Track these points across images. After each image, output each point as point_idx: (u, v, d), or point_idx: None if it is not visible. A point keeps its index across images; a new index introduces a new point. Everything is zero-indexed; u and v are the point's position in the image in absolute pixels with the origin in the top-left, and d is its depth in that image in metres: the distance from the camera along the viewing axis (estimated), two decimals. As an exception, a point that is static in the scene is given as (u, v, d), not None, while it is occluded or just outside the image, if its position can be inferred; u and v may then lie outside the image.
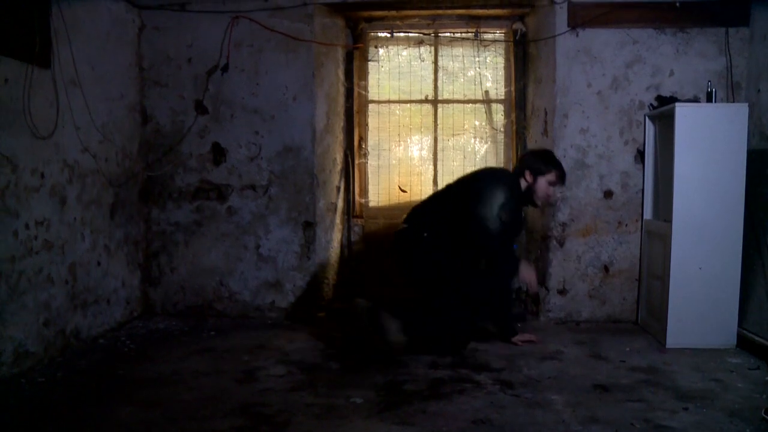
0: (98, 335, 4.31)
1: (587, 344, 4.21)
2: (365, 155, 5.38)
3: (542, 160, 4.02)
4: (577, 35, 4.65)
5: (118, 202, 4.57)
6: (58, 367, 3.68)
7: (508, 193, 3.84)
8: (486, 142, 5.38)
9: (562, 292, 4.78)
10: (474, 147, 5.38)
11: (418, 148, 5.36)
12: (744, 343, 4.06)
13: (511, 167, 5.21)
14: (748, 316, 4.13)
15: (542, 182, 3.99)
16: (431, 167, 5.34)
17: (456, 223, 3.82)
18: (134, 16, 4.80)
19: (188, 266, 4.97)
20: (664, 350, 4.06)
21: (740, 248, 4.05)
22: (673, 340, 4.09)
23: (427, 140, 5.36)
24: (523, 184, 4.01)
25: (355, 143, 5.36)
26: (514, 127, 5.24)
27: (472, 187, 3.89)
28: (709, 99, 4.22)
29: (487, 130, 5.37)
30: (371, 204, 5.38)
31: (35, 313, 3.67)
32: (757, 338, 3.98)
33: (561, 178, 4.06)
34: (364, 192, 5.41)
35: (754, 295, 4.11)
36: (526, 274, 3.94)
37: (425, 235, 3.89)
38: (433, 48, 5.31)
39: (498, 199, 3.78)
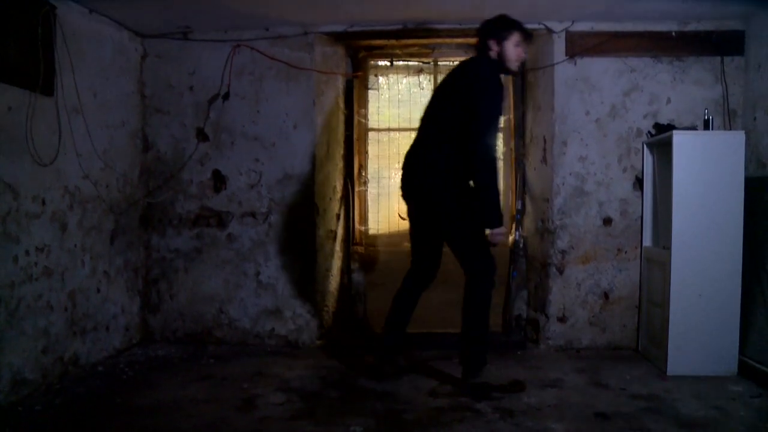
0: (97, 362, 4.30)
1: (588, 372, 4.19)
2: (365, 183, 5.40)
3: (500, 26, 3.79)
4: (575, 64, 4.70)
5: (118, 229, 4.58)
6: (55, 395, 3.66)
7: (498, 86, 3.67)
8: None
9: (562, 319, 4.76)
10: (473, 174, 5.39)
11: (417, 175, 5.37)
12: (745, 371, 4.04)
13: (510, 195, 5.23)
14: (749, 343, 4.11)
15: (509, 46, 3.77)
16: (431, 194, 5.34)
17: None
18: (137, 44, 4.85)
19: (188, 293, 4.97)
20: (665, 378, 4.04)
21: (740, 275, 4.05)
22: (673, 367, 4.08)
23: (427, 168, 5.37)
24: (492, 56, 3.78)
25: (355, 171, 5.38)
26: (513, 155, 5.26)
27: (472, 105, 3.59)
28: (706, 126, 4.25)
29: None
30: (371, 231, 5.39)
31: (34, 339, 3.67)
32: (758, 366, 3.96)
33: (525, 35, 3.85)
34: (364, 219, 5.42)
35: (754, 323, 4.10)
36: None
37: (441, 177, 3.71)
38: (432, 76, 5.35)
39: (491, 110, 3.62)
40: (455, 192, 3.71)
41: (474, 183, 3.65)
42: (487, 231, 3.73)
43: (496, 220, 3.65)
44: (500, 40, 3.76)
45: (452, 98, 3.72)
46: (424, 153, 3.78)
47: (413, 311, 4.05)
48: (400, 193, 3.99)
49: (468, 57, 3.99)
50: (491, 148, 3.61)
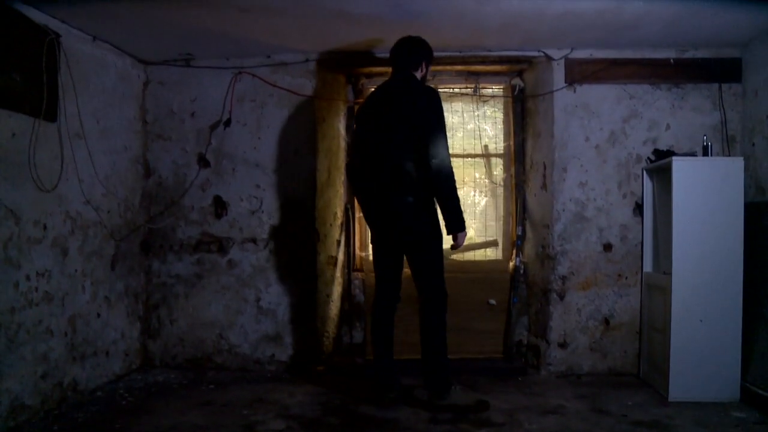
0: (96, 387, 4.28)
1: (589, 398, 4.16)
2: (366, 208, 5.40)
3: (429, 49, 4.03)
4: (575, 90, 4.73)
5: (119, 254, 4.59)
6: (54, 420, 3.64)
7: (440, 100, 3.83)
8: (486, 196, 5.42)
9: (562, 345, 4.75)
10: (474, 200, 5.41)
11: (418, 201, 5.37)
12: (748, 397, 4.02)
13: (511, 221, 5.25)
14: (751, 369, 4.09)
15: (429, 69, 4.12)
16: (431, 220, 5.34)
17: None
18: (140, 71, 4.90)
19: (188, 319, 4.96)
20: (666, 404, 4.02)
21: (740, 300, 4.05)
22: (675, 393, 4.06)
23: (428, 193, 5.38)
24: (419, 75, 4.00)
25: (356, 197, 5.38)
26: (514, 181, 5.28)
27: (425, 125, 3.72)
28: (705, 152, 4.27)
29: (486, 184, 5.41)
30: (371, 257, 5.37)
31: (33, 365, 3.66)
32: (761, 392, 3.94)
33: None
34: (365, 245, 5.41)
35: (756, 348, 4.09)
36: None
37: (410, 199, 3.79)
38: (432, 103, 5.37)
39: (443, 122, 3.81)
40: (424, 211, 3.82)
41: (437, 192, 3.76)
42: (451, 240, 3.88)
43: (462, 224, 3.79)
44: (429, 63, 4.07)
45: (404, 119, 3.76)
46: (390, 176, 3.79)
47: (393, 333, 4.09)
48: (363, 215, 4.07)
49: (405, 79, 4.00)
50: (448, 159, 3.74)
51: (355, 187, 4.07)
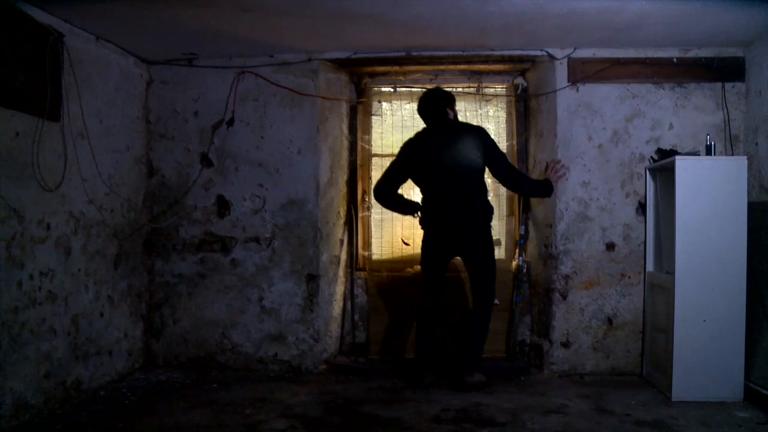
0: (99, 387, 4.28)
1: (592, 398, 4.16)
2: (368, 208, 5.40)
3: (448, 95, 4.50)
4: (578, 90, 4.73)
5: (122, 253, 4.59)
6: (57, 420, 3.65)
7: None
8: (488, 195, 5.40)
9: (565, 344, 4.74)
10: (476, 199, 5.40)
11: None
12: (751, 397, 4.01)
13: (514, 221, 5.25)
14: (754, 368, 4.08)
15: (455, 109, 4.56)
16: (434, 220, 5.34)
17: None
18: (143, 70, 4.90)
19: (191, 318, 4.96)
20: (669, 403, 4.01)
21: (744, 300, 4.04)
22: (678, 393, 4.05)
23: (430, 193, 5.37)
24: (451, 117, 4.50)
25: (359, 196, 5.39)
26: (516, 180, 5.27)
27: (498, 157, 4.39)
28: (708, 152, 4.26)
29: (489, 183, 5.39)
30: (374, 257, 5.38)
31: (36, 364, 3.66)
32: (764, 392, 3.92)
33: None
34: (368, 245, 5.42)
35: (759, 348, 4.08)
36: None
37: (483, 224, 4.42)
38: (435, 102, 5.37)
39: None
40: (490, 232, 4.45)
41: (532, 196, 4.97)
42: None
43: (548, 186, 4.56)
44: (453, 105, 4.51)
45: (470, 158, 4.28)
46: (469, 201, 4.34)
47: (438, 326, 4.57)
48: (433, 235, 4.46)
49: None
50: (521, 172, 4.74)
51: (431, 220, 4.47)
